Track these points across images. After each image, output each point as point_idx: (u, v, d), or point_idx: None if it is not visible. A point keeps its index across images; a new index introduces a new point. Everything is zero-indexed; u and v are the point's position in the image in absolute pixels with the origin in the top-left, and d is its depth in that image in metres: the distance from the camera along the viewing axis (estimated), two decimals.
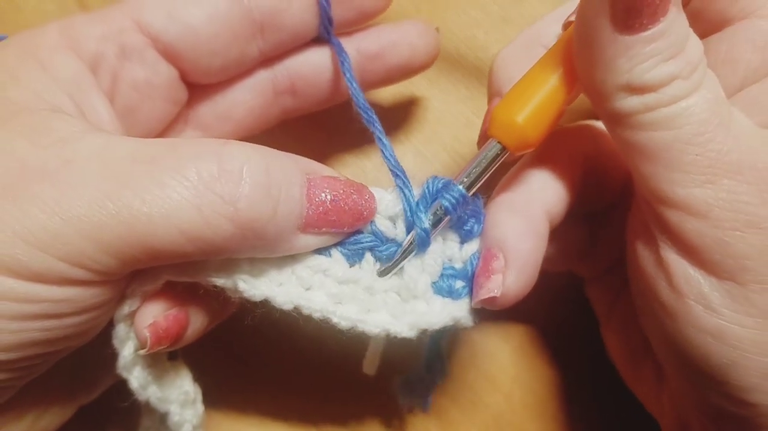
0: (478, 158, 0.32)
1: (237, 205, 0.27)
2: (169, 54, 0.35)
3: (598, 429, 0.45)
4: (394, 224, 0.33)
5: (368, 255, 0.33)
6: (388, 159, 0.34)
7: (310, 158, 0.32)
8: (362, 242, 0.32)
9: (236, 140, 0.39)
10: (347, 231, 0.32)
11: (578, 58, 0.30)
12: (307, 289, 0.31)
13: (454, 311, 0.33)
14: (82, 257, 0.26)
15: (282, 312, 0.31)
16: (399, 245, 0.33)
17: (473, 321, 0.34)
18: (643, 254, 0.32)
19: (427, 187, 0.33)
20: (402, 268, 0.33)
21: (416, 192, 0.33)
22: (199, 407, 0.35)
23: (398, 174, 0.33)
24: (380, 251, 0.33)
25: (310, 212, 0.30)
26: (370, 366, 0.40)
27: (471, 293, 0.34)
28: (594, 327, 0.43)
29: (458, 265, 0.34)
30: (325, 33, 0.39)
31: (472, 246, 0.34)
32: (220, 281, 0.30)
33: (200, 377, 0.36)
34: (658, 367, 0.37)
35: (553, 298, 0.45)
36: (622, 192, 0.39)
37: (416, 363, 0.40)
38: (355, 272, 0.33)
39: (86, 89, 0.32)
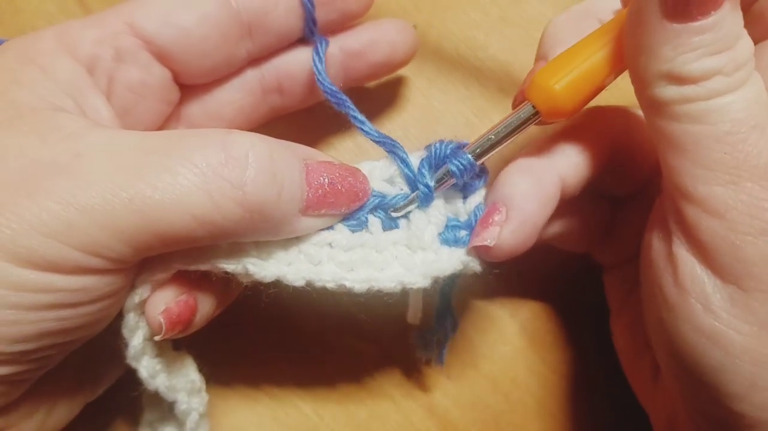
0: (510, 118, 0.33)
1: (244, 189, 0.29)
2: (163, 56, 0.37)
3: (598, 429, 0.45)
4: (393, 185, 0.35)
5: (371, 218, 0.34)
6: (368, 133, 0.35)
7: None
8: (364, 207, 0.34)
9: None
10: (345, 212, 0.33)
11: (627, 39, 0.30)
12: (317, 264, 0.33)
13: (463, 256, 0.35)
14: (97, 245, 0.27)
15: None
16: (404, 195, 0.34)
17: (481, 266, 0.35)
18: (657, 245, 0.32)
19: (434, 150, 0.34)
20: (408, 220, 0.34)
21: (418, 155, 0.34)
22: (205, 395, 0.37)
23: (383, 141, 0.34)
24: (386, 203, 0.34)
25: (310, 195, 0.31)
26: (414, 316, 0.41)
27: None
28: (594, 328, 0.44)
29: (463, 218, 0.36)
30: (309, 33, 0.41)
31: (476, 199, 0.36)
32: (230, 267, 0.31)
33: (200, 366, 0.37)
34: (656, 363, 0.37)
35: (553, 299, 0.47)
36: (646, 183, 0.39)
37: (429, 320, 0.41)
38: (361, 235, 0.34)
39: (86, 90, 0.33)
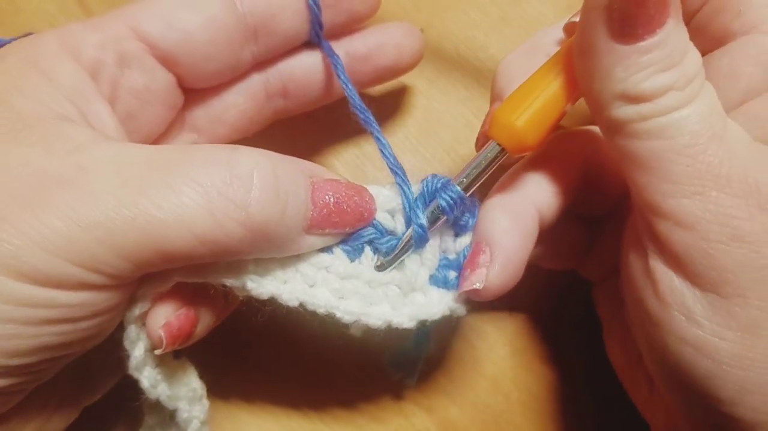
0: (478, 158, 0.34)
1: (248, 209, 0.28)
2: (167, 60, 0.36)
3: (598, 430, 0.45)
4: (393, 217, 0.34)
5: (367, 250, 0.34)
6: (387, 157, 0.35)
7: (308, 154, 0.33)
8: (363, 236, 0.34)
9: (230, 141, 0.40)
10: (349, 231, 0.33)
11: (578, 65, 0.31)
12: (311, 286, 0.33)
13: (451, 302, 0.35)
14: (98, 262, 0.27)
15: (283, 308, 0.33)
16: (398, 238, 0.34)
17: (466, 310, 0.36)
18: (634, 262, 0.33)
19: (426, 185, 0.34)
20: (402, 262, 0.34)
21: (415, 189, 0.34)
22: (205, 403, 0.37)
23: (397, 172, 0.34)
24: (380, 244, 0.34)
25: (315, 214, 0.31)
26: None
27: None
28: (594, 328, 0.44)
29: (452, 256, 0.36)
30: (315, 37, 0.40)
31: (466, 239, 0.36)
32: (229, 282, 0.31)
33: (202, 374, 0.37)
34: (651, 375, 0.37)
35: (553, 300, 0.47)
36: (621, 200, 0.39)
37: (402, 340, 0.41)
38: (356, 267, 0.34)
39: (89, 96, 0.33)
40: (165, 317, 0.31)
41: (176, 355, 0.36)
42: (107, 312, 0.30)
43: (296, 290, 0.32)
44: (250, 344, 0.45)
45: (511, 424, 0.45)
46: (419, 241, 0.34)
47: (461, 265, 0.35)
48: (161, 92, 0.37)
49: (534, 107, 0.32)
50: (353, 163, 0.49)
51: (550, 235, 0.38)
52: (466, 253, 0.36)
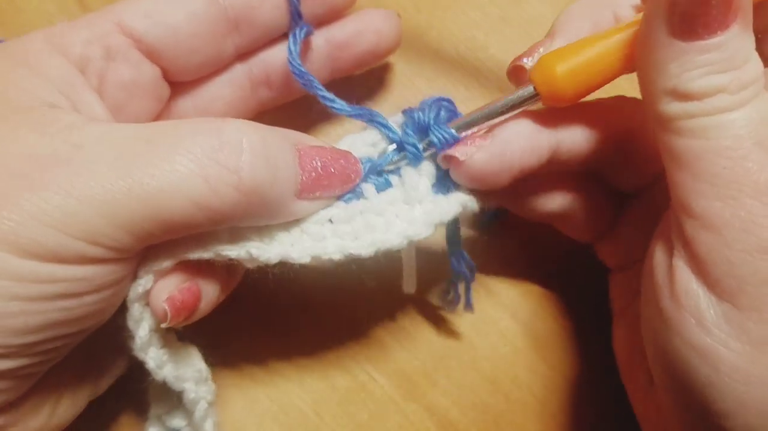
0: (511, 96, 0.34)
1: (240, 173, 0.29)
2: (152, 54, 0.37)
3: (598, 430, 0.45)
4: (376, 147, 0.36)
5: (364, 185, 0.35)
6: (341, 109, 0.36)
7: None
8: None
9: None
10: (338, 194, 0.34)
11: (638, 53, 0.31)
12: (321, 241, 0.33)
13: (460, 198, 0.36)
14: (99, 234, 0.28)
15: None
16: (393, 154, 0.36)
17: (478, 205, 0.37)
18: (660, 255, 0.32)
19: (418, 117, 0.35)
20: (401, 177, 0.36)
21: (398, 119, 0.36)
22: (212, 384, 0.37)
23: (360, 113, 0.36)
24: (376, 165, 0.35)
25: (304, 178, 0.32)
26: (409, 284, 0.41)
27: None
28: (594, 329, 0.44)
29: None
30: (294, 27, 0.42)
31: None
32: (233, 253, 0.32)
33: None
34: (650, 373, 0.37)
35: (553, 299, 0.47)
36: (652, 185, 0.39)
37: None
38: (357, 204, 0.35)
39: (78, 88, 0.34)
40: (168, 291, 0.32)
41: (179, 337, 0.36)
42: (111, 287, 0.30)
43: (306, 247, 0.33)
44: (249, 340, 0.45)
45: (511, 424, 0.45)
46: (414, 159, 0.35)
47: None
48: (147, 85, 0.38)
49: (580, 61, 0.32)
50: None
51: (575, 190, 0.38)
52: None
